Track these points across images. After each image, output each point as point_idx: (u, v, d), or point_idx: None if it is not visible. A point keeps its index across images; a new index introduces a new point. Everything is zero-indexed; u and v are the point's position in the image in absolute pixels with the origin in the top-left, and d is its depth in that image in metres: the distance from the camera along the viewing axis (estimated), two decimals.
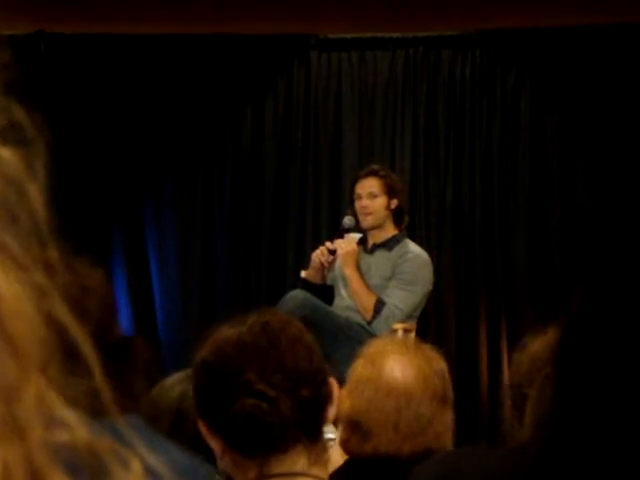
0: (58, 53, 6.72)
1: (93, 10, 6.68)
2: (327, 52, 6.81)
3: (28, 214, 0.58)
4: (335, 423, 2.43)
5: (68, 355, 0.56)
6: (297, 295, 5.14)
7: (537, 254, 6.46)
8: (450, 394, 2.27)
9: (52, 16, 6.64)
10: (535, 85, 6.63)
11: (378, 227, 5.39)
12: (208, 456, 1.78)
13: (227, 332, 1.79)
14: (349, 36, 6.77)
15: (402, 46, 6.74)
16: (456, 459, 1.52)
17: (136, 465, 0.55)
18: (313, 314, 4.77)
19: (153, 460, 0.56)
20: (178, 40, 6.74)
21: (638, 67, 6.42)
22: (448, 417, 2.25)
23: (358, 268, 5.35)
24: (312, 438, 1.76)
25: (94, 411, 0.57)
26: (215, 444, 1.77)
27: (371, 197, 5.34)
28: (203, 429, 1.77)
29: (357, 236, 5.49)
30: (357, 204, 5.40)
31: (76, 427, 0.54)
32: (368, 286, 5.30)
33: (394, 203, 5.39)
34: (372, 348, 2.30)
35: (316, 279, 5.48)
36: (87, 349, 0.57)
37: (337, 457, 2.34)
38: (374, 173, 5.41)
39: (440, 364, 2.28)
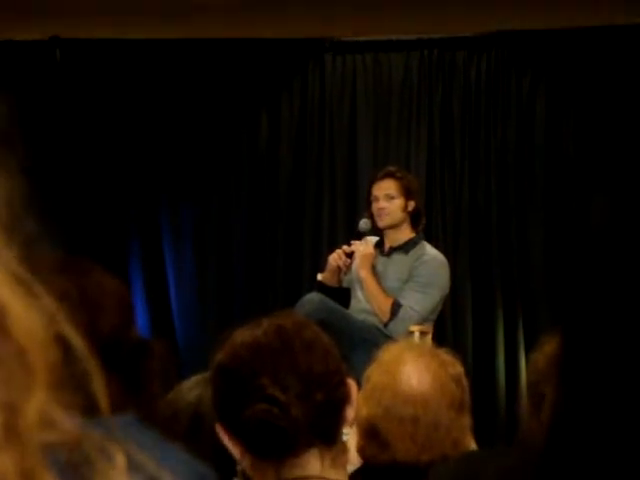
0: (73, 59, 6.74)
1: (108, 16, 6.69)
2: (342, 55, 6.81)
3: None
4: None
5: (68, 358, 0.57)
6: (313, 298, 5.13)
7: (554, 256, 6.43)
8: (467, 399, 2.26)
9: (67, 22, 6.66)
10: (551, 86, 6.61)
11: (395, 228, 5.38)
12: (226, 459, 1.79)
13: (243, 335, 1.79)
14: (363, 39, 6.77)
15: (417, 48, 6.74)
16: (473, 460, 1.51)
17: (120, 459, 0.55)
18: (329, 317, 4.76)
19: (140, 455, 0.57)
20: (193, 45, 6.76)
21: None
22: (465, 423, 2.24)
23: (374, 271, 5.35)
24: (328, 441, 1.76)
25: (89, 411, 0.58)
26: (233, 447, 1.77)
27: (388, 199, 5.34)
28: (221, 432, 1.77)
29: (374, 239, 5.48)
30: (374, 206, 5.39)
31: (63, 424, 0.55)
32: (383, 289, 5.29)
33: (411, 205, 5.38)
34: (388, 354, 2.28)
35: (332, 282, 5.47)
36: (85, 353, 0.58)
37: (353, 457, 2.33)
38: (391, 175, 5.40)
39: (457, 369, 2.27)
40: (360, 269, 5.31)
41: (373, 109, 6.76)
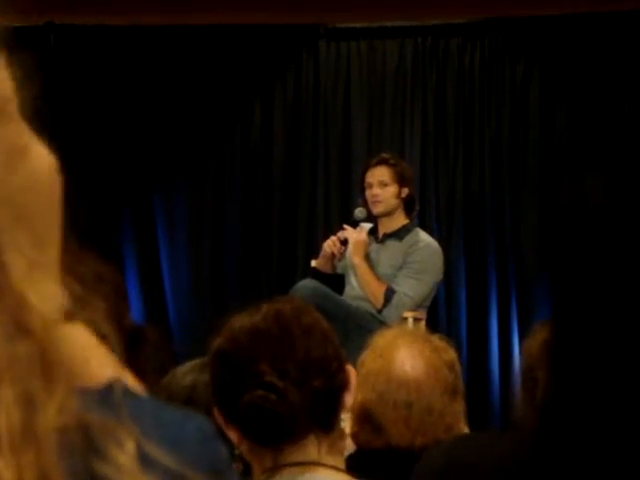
0: (68, 45, 6.73)
1: (103, 1, 6.68)
2: (336, 42, 6.80)
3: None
4: None
5: None
6: (307, 284, 5.14)
7: (548, 243, 6.44)
8: (460, 385, 2.27)
9: (61, 7, 6.64)
10: (544, 73, 6.61)
11: (389, 215, 5.39)
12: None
13: (241, 320, 1.79)
14: (358, 25, 6.76)
15: (411, 35, 6.73)
16: (465, 444, 1.52)
17: (130, 446, 0.56)
18: (323, 303, 4.76)
19: (150, 446, 0.57)
20: (187, 31, 6.74)
21: None
22: (459, 408, 2.25)
23: (368, 257, 5.36)
24: (325, 427, 1.76)
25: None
26: (231, 433, 1.77)
27: (382, 185, 5.34)
28: (219, 417, 1.78)
29: (368, 226, 5.49)
30: (368, 193, 5.39)
31: (75, 408, 0.55)
32: (377, 275, 5.30)
33: (405, 192, 5.39)
34: (381, 340, 2.29)
35: (326, 268, 5.48)
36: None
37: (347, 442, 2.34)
38: (385, 162, 5.41)
39: (450, 355, 2.28)
40: (353, 256, 5.33)
41: (367, 96, 6.75)
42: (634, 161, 0.77)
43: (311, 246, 6.37)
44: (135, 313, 6.16)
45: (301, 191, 6.73)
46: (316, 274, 5.43)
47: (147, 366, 1.50)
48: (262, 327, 1.76)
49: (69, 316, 0.62)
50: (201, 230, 6.77)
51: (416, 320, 5.15)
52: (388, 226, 5.42)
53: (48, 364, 0.54)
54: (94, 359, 0.63)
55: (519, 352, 6.23)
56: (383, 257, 5.37)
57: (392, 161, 5.43)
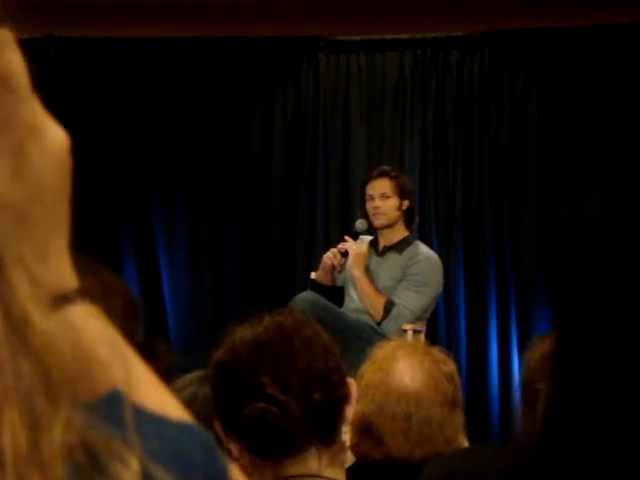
0: (67, 57, 6.74)
1: (102, 14, 6.69)
2: (336, 54, 6.81)
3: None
4: None
5: None
6: (307, 297, 5.14)
7: (548, 255, 6.44)
8: (460, 397, 2.26)
9: (61, 20, 6.65)
10: (544, 86, 6.62)
11: (389, 227, 5.40)
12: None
13: (243, 332, 1.79)
14: (357, 38, 6.77)
15: (410, 47, 6.74)
16: (465, 457, 1.52)
17: (134, 464, 0.55)
18: (323, 315, 4.76)
19: (153, 466, 0.56)
20: (187, 43, 6.75)
21: None
22: (458, 420, 2.24)
23: (368, 270, 5.36)
24: (326, 440, 1.75)
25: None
26: (232, 445, 1.76)
27: (383, 198, 5.35)
28: (219, 430, 1.77)
29: (368, 238, 5.49)
30: (369, 205, 5.40)
31: (80, 426, 0.55)
32: (377, 288, 5.30)
33: (405, 204, 5.40)
34: (381, 352, 2.29)
35: (326, 280, 5.48)
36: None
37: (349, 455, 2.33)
38: (386, 174, 5.42)
39: (449, 367, 2.27)
40: (353, 268, 5.33)
41: (367, 108, 6.76)
42: (633, 173, 0.77)
43: (310, 258, 6.37)
44: None
45: (300, 202, 6.73)
46: (316, 286, 5.43)
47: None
48: (263, 339, 1.75)
49: (67, 301, 0.61)
50: (201, 241, 6.77)
51: (416, 332, 5.15)
52: (388, 238, 5.42)
53: (51, 384, 0.54)
54: (99, 358, 0.63)
55: (518, 365, 6.22)
56: (383, 269, 5.38)
57: (393, 174, 5.44)
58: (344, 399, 1.78)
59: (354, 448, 2.21)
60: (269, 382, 1.71)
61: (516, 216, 6.56)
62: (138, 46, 6.78)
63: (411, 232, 5.48)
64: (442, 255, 5.74)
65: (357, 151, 6.71)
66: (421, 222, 6.02)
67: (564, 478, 0.74)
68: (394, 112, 6.73)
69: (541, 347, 2.13)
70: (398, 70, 6.75)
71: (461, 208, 6.60)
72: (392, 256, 5.38)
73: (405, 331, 5.12)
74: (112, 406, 0.59)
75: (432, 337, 5.50)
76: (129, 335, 1.44)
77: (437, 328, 6.23)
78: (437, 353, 2.30)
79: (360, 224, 5.49)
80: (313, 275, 5.54)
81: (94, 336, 0.63)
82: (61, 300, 0.60)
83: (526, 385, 2.11)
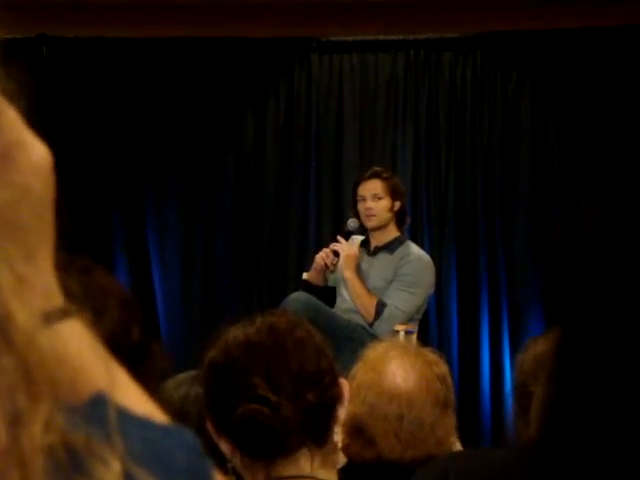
0: (60, 56, 6.73)
1: (95, 13, 6.68)
2: (328, 55, 6.81)
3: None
4: None
5: None
6: (299, 297, 5.14)
7: (540, 256, 6.45)
8: (452, 398, 2.26)
9: (54, 19, 6.64)
10: (536, 87, 6.63)
11: (381, 228, 5.40)
12: (214, 457, 1.78)
13: (235, 333, 1.79)
14: (350, 39, 6.77)
15: (403, 48, 6.74)
16: (457, 461, 1.52)
17: (116, 465, 0.55)
18: (315, 316, 4.76)
19: (135, 468, 0.56)
20: (179, 43, 6.75)
21: (639, 69, 6.42)
22: (450, 422, 2.24)
23: (359, 270, 5.36)
24: (318, 441, 1.75)
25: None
26: (224, 445, 1.76)
27: (375, 199, 5.35)
28: (211, 429, 1.77)
29: (360, 238, 5.49)
30: (360, 206, 5.40)
31: (61, 426, 0.55)
32: (368, 289, 5.31)
33: (397, 205, 5.40)
34: (373, 353, 2.29)
35: (318, 281, 5.49)
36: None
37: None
38: (378, 175, 5.42)
39: (441, 368, 2.27)
40: (344, 270, 5.33)
41: (359, 109, 6.76)
42: (626, 178, 0.77)
43: (302, 258, 6.37)
44: None
45: (293, 203, 6.73)
46: (307, 287, 5.43)
47: (152, 379, 1.50)
48: (256, 340, 1.75)
49: (57, 317, 0.61)
50: (192, 242, 6.76)
51: (407, 333, 5.15)
52: (380, 239, 5.42)
53: (32, 380, 0.53)
54: (84, 363, 0.63)
55: (510, 366, 6.23)
56: (374, 269, 5.38)
57: (385, 175, 5.44)
58: (336, 400, 1.78)
59: (346, 449, 2.21)
60: (261, 383, 1.71)
61: (508, 217, 6.57)
62: (130, 46, 6.77)
63: (402, 233, 5.49)
64: (434, 256, 5.74)
65: (349, 152, 6.71)
66: (413, 223, 6.03)
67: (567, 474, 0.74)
68: (386, 113, 6.73)
69: (534, 349, 2.13)
70: (391, 71, 6.75)
71: (453, 209, 6.60)
72: (383, 256, 5.38)
73: (397, 332, 5.12)
74: (96, 407, 0.59)
75: (424, 337, 5.51)
76: (125, 335, 1.44)
77: (428, 329, 6.23)
78: (429, 354, 2.30)
79: (352, 223, 5.49)
80: (305, 275, 5.54)
81: (80, 350, 0.63)
82: (48, 317, 0.60)
83: (519, 387, 2.12)
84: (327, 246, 5.46)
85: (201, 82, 6.76)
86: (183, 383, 2.20)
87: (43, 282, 0.60)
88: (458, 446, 2.39)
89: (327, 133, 6.76)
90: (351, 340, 4.89)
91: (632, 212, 0.76)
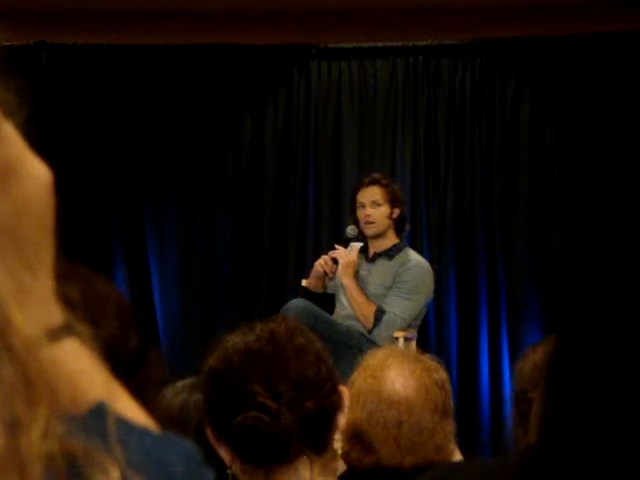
0: (59, 63, 6.73)
1: (94, 20, 6.69)
2: (327, 61, 6.82)
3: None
4: None
5: None
6: (298, 304, 5.13)
7: (539, 264, 6.44)
8: (451, 405, 2.26)
9: (53, 26, 6.65)
10: (535, 93, 6.63)
11: (380, 235, 5.40)
12: (213, 464, 1.78)
13: (235, 340, 1.78)
14: (349, 45, 6.78)
15: (402, 55, 6.75)
16: (457, 471, 1.51)
17: (115, 474, 0.55)
18: (314, 323, 4.76)
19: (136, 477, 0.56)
20: (178, 50, 6.75)
21: (637, 75, 6.42)
22: (449, 429, 2.24)
23: (358, 276, 5.36)
24: (318, 448, 1.75)
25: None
26: (223, 452, 1.76)
27: (374, 206, 5.35)
28: (211, 436, 1.77)
29: (359, 245, 5.49)
30: (359, 213, 5.39)
31: (61, 435, 0.55)
32: (367, 295, 5.30)
33: (396, 212, 5.39)
34: (373, 359, 2.29)
35: (317, 288, 5.48)
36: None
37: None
38: (377, 182, 5.42)
39: (441, 375, 2.27)
40: (343, 276, 5.32)
41: (358, 115, 6.76)
42: (622, 192, 0.77)
43: (301, 265, 6.37)
44: None
45: (291, 209, 6.73)
46: (306, 293, 5.42)
47: (150, 387, 1.49)
48: (255, 347, 1.75)
49: (59, 336, 0.61)
50: (191, 248, 6.76)
51: (407, 340, 5.15)
52: (379, 245, 5.42)
53: (31, 387, 0.53)
54: (84, 380, 0.63)
55: (509, 373, 6.23)
56: (373, 276, 5.37)
57: (384, 181, 5.44)
58: (336, 407, 1.77)
59: (345, 456, 2.21)
60: (261, 390, 1.70)
61: (507, 223, 6.57)
62: (129, 53, 6.77)
63: (401, 240, 5.48)
64: (433, 263, 5.74)
65: (348, 158, 6.71)
66: (412, 230, 6.02)
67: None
68: (385, 119, 6.74)
69: (533, 356, 2.13)
70: (390, 78, 6.76)
71: (452, 215, 6.60)
72: (382, 262, 5.38)
73: (396, 339, 5.11)
74: (96, 417, 0.59)
75: (423, 344, 5.50)
76: (124, 341, 1.44)
77: (428, 336, 6.23)
78: (428, 361, 2.29)
79: (351, 230, 5.49)
80: (304, 282, 5.53)
81: (79, 367, 0.63)
82: (50, 335, 0.60)
83: (518, 394, 2.11)
84: (326, 253, 5.45)
85: (200, 88, 6.77)
86: (182, 390, 2.20)
87: (43, 292, 0.60)
88: (457, 454, 2.38)
89: (326, 140, 6.76)
90: (350, 347, 4.88)
91: (629, 223, 0.76)
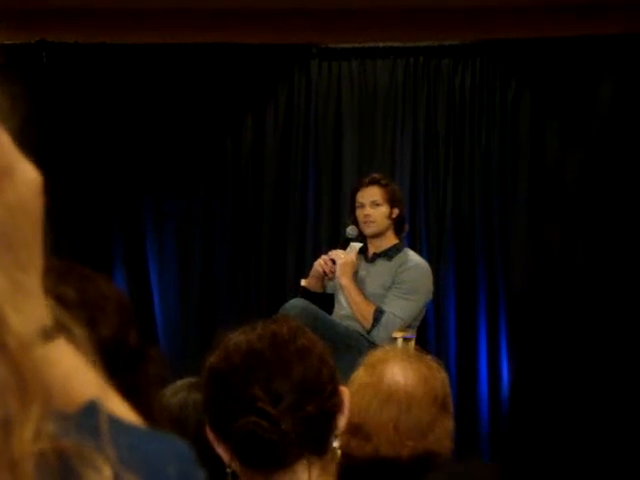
0: (60, 62, 6.73)
1: (95, 19, 6.69)
2: (328, 61, 6.82)
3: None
4: None
5: None
6: (297, 304, 5.13)
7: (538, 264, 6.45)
8: (450, 403, 2.26)
9: (54, 25, 6.65)
10: (535, 95, 6.64)
11: (380, 235, 5.40)
12: (212, 463, 1.78)
13: (236, 340, 1.77)
14: (349, 45, 6.78)
15: (402, 55, 6.75)
16: (457, 473, 1.52)
17: (107, 471, 0.55)
18: (313, 323, 4.76)
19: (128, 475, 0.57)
20: (179, 49, 6.75)
21: (638, 77, 6.43)
22: (448, 423, 2.24)
23: (357, 277, 5.36)
24: (318, 451, 1.74)
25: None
26: (222, 452, 1.76)
27: (374, 206, 5.35)
28: (210, 436, 1.77)
29: (358, 245, 5.49)
30: (359, 212, 5.39)
31: (53, 433, 0.55)
32: (365, 296, 5.30)
33: (395, 212, 5.39)
34: (374, 356, 2.30)
35: (316, 288, 5.48)
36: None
37: None
38: (376, 182, 5.42)
39: (441, 374, 2.28)
40: (341, 277, 5.32)
41: (358, 116, 6.77)
42: (624, 185, 0.77)
43: (301, 265, 6.37)
44: None
45: (291, 209, 6.73)
46: (306, 293, 5.42)
47: (151, 385, 1.49)
48: (257, 348, 1.73)
49: (52, 336, 0.62)
50: (191, 248, 6.76)
51: (405, 340, 5.15)
52: (378, 246, 5.42)
53: (24, 386, 0.54)
54: (76, 380, 0.63)
55: (508, 373, 6.23)
56: (372, 277, 5.37)
57: (384, 181, 5.44)
58: (337, 409, 1.76)
59: (344, 446, 2.21)
60: (261, 395, 1.69)
61: (507, 224, 6.57)
62: (130, 52, 6.77)
63: (401, 240, 5.48)
64: (432, 263, 5.74)
65: (348, 158, 6.71)
66: (411, 230, 6.02)
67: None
68: (385, 120, 6.74)
69: None
70: (390, 78, 6.76)
71: (451, 216, 6.61)
72: (381, 263, 5.38)
73: (395, 339, 5.11)
74: (88, 415, 0.59)
75: (422, 345, 5.49)
76: (123, 340, 1.44)
77: (427, 336, 6.23)
78: (429, 359, 2.30)
79: (351, 230, 5.49)
80: (303, 282, 5.54)
81: (70, 367, 0.63)
82: (43, 334, 0.60)
83: None
84: (325, 253, 5.45)
85: (201, 88, 6.77)
86: (181, 390, 2.20)
87: (35, 292, 0.61)
88: (454, 452, 2.39)
89: (326, 139, 6.76)
90: (349, 347, 4.88)
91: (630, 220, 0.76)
